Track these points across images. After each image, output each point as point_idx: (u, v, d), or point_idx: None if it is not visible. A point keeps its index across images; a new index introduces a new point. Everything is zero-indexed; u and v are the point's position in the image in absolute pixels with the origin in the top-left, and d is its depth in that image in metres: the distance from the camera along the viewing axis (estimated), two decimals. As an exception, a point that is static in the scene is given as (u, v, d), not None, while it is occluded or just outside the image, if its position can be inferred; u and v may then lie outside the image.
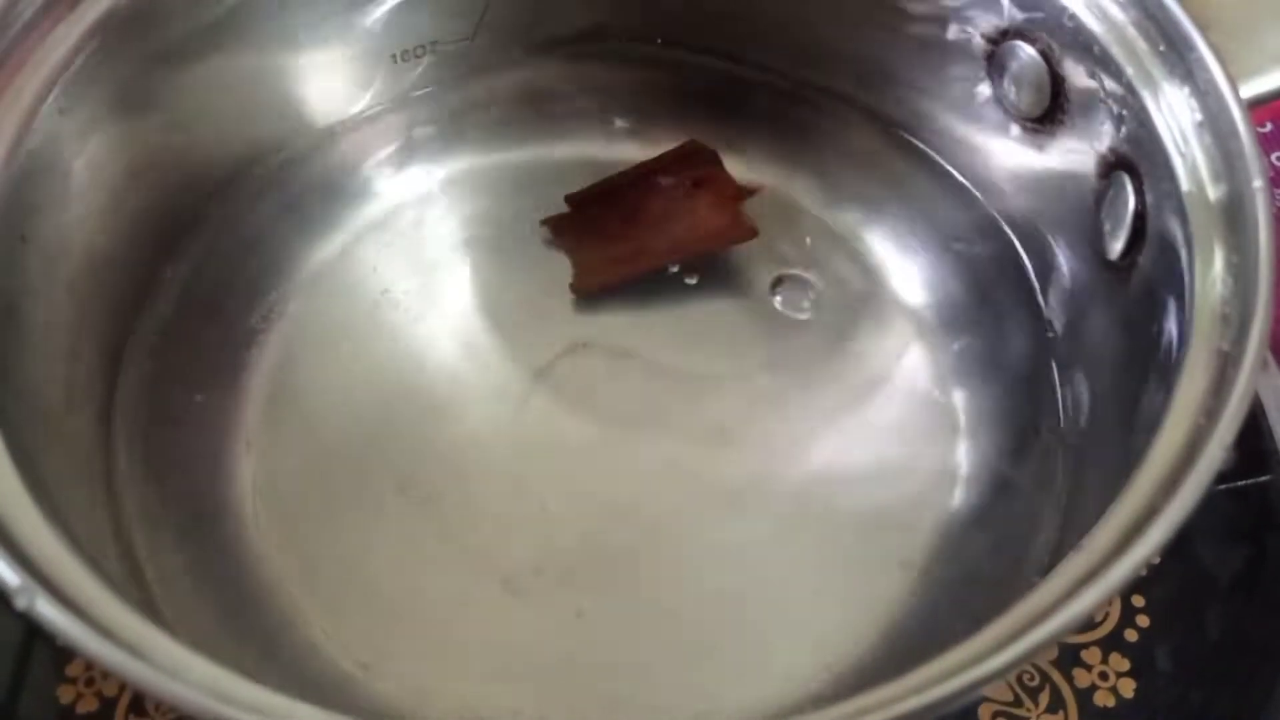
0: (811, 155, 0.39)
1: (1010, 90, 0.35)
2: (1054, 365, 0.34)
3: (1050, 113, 0.33)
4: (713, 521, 0.33)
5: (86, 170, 0.32)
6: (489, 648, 0.31)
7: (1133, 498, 0.24)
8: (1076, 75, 0.32)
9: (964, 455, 0.34)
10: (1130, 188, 0.30)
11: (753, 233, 0.37)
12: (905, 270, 0.37)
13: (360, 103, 0.39)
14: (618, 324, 0.36)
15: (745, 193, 0.38)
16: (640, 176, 0.38)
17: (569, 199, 0.38)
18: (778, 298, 0.37)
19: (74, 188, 0.32)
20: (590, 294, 0.37)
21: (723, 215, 0.37)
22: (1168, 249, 0.28)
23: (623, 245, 0.37)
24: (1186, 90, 0.29)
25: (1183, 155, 0.28)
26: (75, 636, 0.22)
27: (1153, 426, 0.25)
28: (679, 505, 0.33)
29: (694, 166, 0.38)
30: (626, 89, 0.40)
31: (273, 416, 0.35)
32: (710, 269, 0.37)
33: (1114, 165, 0.31)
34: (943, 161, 0.38)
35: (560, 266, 0.37)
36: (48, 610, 0.22)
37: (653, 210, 0.38)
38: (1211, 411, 0.24)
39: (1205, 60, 0.28)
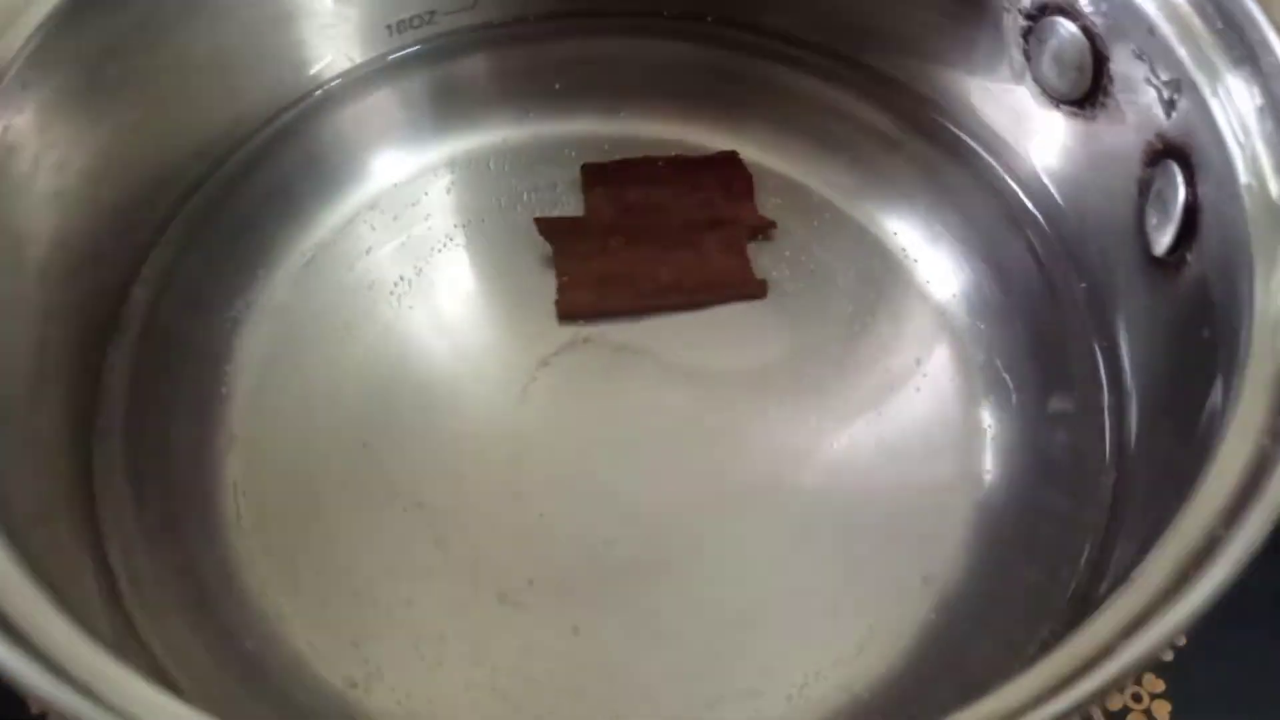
0: (833, 138, 0.38)
1: (1049, 70, 0.34)
2: (1093, 369, 0.33)
3: (1092, 94, 0.32)
4: (720, 530, 0.32)
5: (54, 152, 0.31)
6: (483, 664, 0.30)
7: (1188, 525, 0.23)
8: (1122, 54, 0.31)
9: (992, 462, 0.33)
10: (1180, 178, 0.29)
11: (762, 289, 0.35)
12: (932, 262, 0.36)
13: (352, 77, 0.38)
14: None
15: (762, 227, 0.36)
16: (666, 173, 0.37)
17: (585, 168, 0.37)
18: (794, 290, 0.36)
19: (41, 170, 0.31)
20: (573, 320, 0.35)
21: (731, 261, 0.36)
22: (1223, 247, 0.27)
23: (619, 263, 0.36)
24: (1246, 73, 0.28)
25: (1241, 145, 0.27)
26: (22, 676, 0.20)
27: (1210, 445, 0.24)
28: (684, 513, 0.32)
29: (725, 181, 0.37)
30: (636, 63, 0.39)
31: (258, 411, 0.34)
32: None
33: (1162, 153, 0.30)
34: (974, 145, 0.37)
35: (562, 255, 0.37)
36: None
37: (662, 232, 0.36)
38: (1277, 432, 0.23)
39: (1269, 41, 0.27)
